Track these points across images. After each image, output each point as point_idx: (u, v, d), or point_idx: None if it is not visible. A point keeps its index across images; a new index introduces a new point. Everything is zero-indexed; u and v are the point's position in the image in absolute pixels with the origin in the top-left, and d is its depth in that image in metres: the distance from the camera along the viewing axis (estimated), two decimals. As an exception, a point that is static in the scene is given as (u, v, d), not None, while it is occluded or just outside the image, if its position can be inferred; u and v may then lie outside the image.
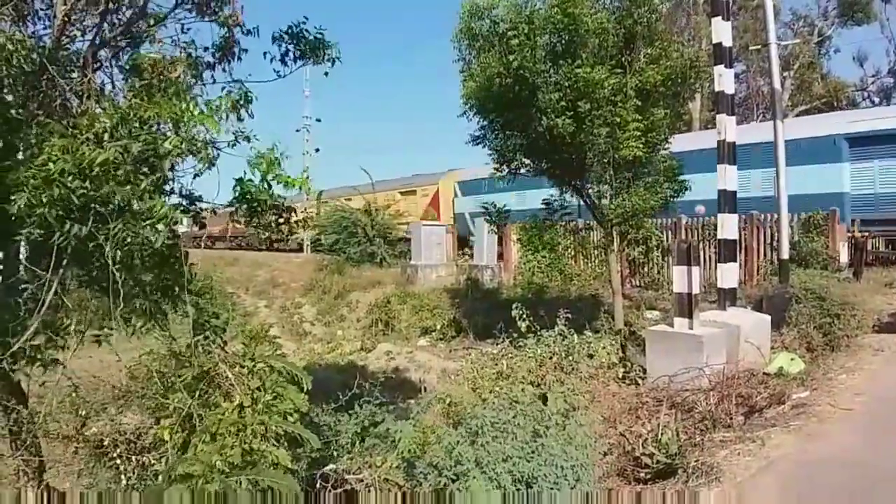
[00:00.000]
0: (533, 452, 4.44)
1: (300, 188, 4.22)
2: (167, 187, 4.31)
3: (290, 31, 5.18)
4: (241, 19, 5.05)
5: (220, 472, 3.30)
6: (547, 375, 6.52)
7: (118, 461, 4.85)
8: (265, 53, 5.13)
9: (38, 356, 4.43)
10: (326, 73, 5.32)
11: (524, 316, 7.34)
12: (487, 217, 17.52)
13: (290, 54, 5.25)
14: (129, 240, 3.60)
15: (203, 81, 5.17)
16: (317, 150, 34.93)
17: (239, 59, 5.23)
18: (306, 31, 5.21)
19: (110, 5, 4.74)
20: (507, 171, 10.47)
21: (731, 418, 5.86)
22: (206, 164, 3.83)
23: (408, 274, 21.99)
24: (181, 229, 4.81)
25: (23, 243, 4.23)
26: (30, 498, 4.25)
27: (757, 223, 15.18)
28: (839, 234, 14.48)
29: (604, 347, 7.74)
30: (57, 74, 4.26)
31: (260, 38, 5.24)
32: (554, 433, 4.64)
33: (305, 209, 25.85)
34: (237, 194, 4.38)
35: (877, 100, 32.33)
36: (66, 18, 4.59)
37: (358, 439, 4.96)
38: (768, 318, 8.46)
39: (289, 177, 4.17)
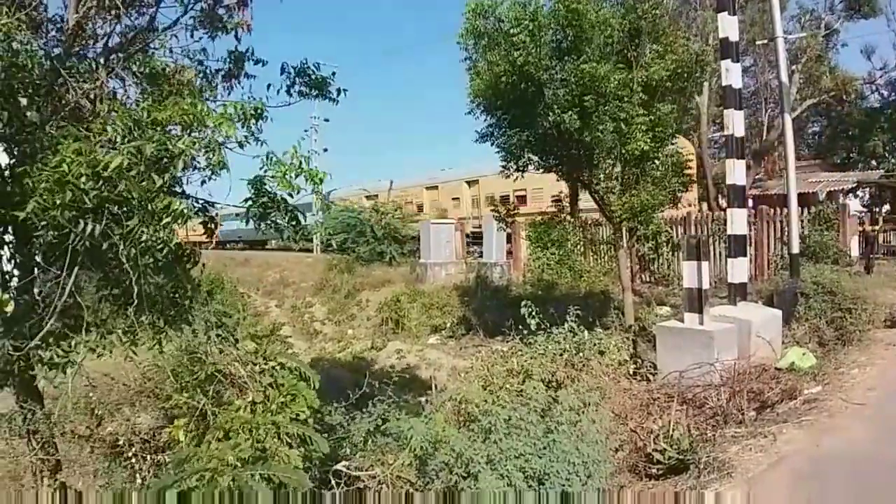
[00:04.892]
0: (545, 449, 4.45)
1: (316, 184, 4.22)
2: (178, 189, 4.36)
3: (296, 67, 5.39)
4: (250, 26, 5.12)
5: (232, 466, 3.32)
6: (558, 372, 6.51)
7: (133, 460, 4.90)
8: (269, 85, 5.30)
9: (54, 358, 4.48)
10: (327, 120, 5.55)
11: (534, 313, 7.33)
12: (496, 214, 17.48)
13: (296, 87, 5.43)
14: (143, 238, 3.65)
15: (215, 93, 5.28)
16: (325, 149, 35.03)
17: (245, 77, 5.37)
18: (313, 68, 5.42)
19: (120, 12, 4.79)
20: (514, 168, 10.47)
21: (742, 414, 5.85)
22: (219, 165, 3.86)
23: (417, 272, 22.00)
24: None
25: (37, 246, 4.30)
26: (47, 498, 4.30)
27: (767, 217, 15.10)
28: (850, 228, 14.39)
29: (614, 344, 7.71)
30: (70, 79, 4.32)
31: (268, 66, 5.52)
32: (566, 430, 4.65)
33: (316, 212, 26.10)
34: (252, 193, 4.41)
35: (885, 93, 32.18)
36: (77, 26, 4.65)
37: (370, 437, 4.98)
38: (779, 312, 8.42)
39: (316, 171, 4.19)
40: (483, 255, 21.84)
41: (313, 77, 5.43)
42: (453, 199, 28.06)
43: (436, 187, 28.49)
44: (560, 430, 4.63)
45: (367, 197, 30.34)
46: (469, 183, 27.76)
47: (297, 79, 5.39)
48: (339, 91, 5.56)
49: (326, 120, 35.19)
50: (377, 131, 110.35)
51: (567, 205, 21.37)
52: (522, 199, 23.80)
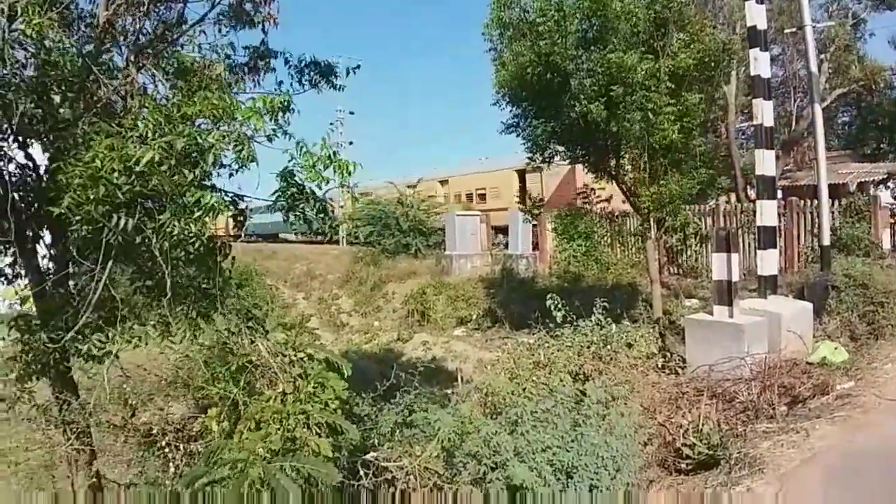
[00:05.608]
0: (573, 442, 4.43)
1: (344, 175, 4.24)
2: (207, 183, 4.42)
3: (300, 59, 5.71)
4: (276, 20, 5.19)
5: (262, 458, 3.36)
6: (585, 365, 6.48)
7: (166, 450, 4.98)
8: (280, 82, 5.62)
9: (91, 350, 4.58)
10: (352, 112, 5.81)
11: (560, 305, 7.28)
12: (521, 206, 17.48)
13: (306, 76, 5.69)
14: (175, 232, 3.71)
15: (243, 86, 5.40)
16: (350, 142, 35.23)
17: (272, 71, 5.57)
18: (317, 61, 5.72)
19: (149, 8, 4.86)
20: (540, 159, 10.42)
21: (773, 409, 5.75)
22: (248, 158, 3.91)
23: (442, 264, 22.06)
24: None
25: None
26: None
27: (797, 209, 14.83)
28: (881, 220, 14.07)
29: (642, 336, 7.64)
30: (101, 76, 4.40)
31: (283, 58, 5.78)
32: (594, 423, 4.63)
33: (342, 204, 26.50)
34: (282, 184, 4.47)
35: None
36: (108, 23, 4.72)
37: (398, 428, 5.00)
38: (810, 305, 8.26)
39: (346, 162, 4.22)
40: (509, 247, 21.82)
41: (321, 65, 5.66)
42: (430, 196, 29.63)
43: (415, 185, 30.09)
44: (588, 423, 4.61)
45: (362, 193, 31.12)
46: (442, 182, 30.43)
47: (305, 68, 5.59)
48: (347, 72, 5.80)
49: (352, 113, 35.59)
50: (385, 127, 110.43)
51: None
52: (483, 197, 27.55)
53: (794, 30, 16.63)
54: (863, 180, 22.65)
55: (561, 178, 22.68)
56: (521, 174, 25.49)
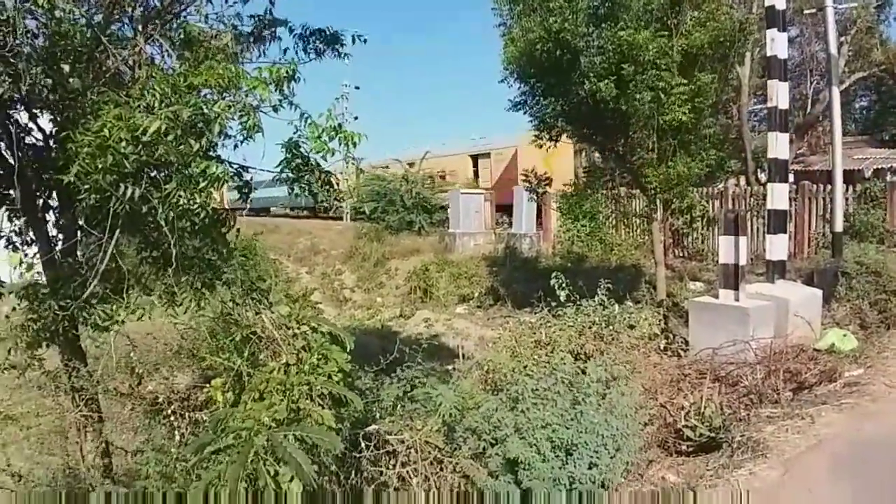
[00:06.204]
0: (573, 420, 4.46)
1: (351, 146, 4.21)
2: (213, 154, 4.42)
3: (304, 28, 5.64)
4: None
5: (267, 427, 3.40)
6: (587, 345, 6.48)
7: (172, 418, 5.05)
8: (286, 50, 5.55)
9: (97, 319, 4.63)
10: (357, 87, 5.71)
11: (563, 285, 7.28)
12: (527, 185, 17.42)
13: (311, 45, 5.61)
14: (181, 202, 3.72)
15: (249, 55, 5.35)
16: (355, 117, 35.05)
17: (278, 40, 5.48)
18: (322, 29, 5.64)
19: None
20: (547, 137, 10.33)
21: (778, 394, 5.72)
22: (253, 129, 3.90)
23: (446, 242, 22.07)
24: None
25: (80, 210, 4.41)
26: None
27: (809, 194, 14.67)
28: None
29: (645, 318, 7.62)
30: (109, 47, 4.39)
31: (288, 27, 5.68)
32: (593, 402, 4.65)
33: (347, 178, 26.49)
34: (287, 155, 4.46)
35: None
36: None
37: (399, 402, 5.05)
38: (819, 292, 8.20)
39: (352, 133, 4.19)
40: (512, 225, 21.77)
41: (326, 34, 5.58)
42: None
43: (388, 167, 30.76)
44: (588, 402, 4.63)
45: (373, 167, 31.50)
46: (410, 164, 31.23)
47: (310, 37, 5.55)
48: (354, 40, 5.67)
49: (357, 87, 35.43)
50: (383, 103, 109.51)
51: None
52: (443, 178, 29.66)
53: (813, 10, 16.33)
54: (879, 166, 22.33)
55: (507, 162, 24.93)
56: (475, 158, 29.23)
